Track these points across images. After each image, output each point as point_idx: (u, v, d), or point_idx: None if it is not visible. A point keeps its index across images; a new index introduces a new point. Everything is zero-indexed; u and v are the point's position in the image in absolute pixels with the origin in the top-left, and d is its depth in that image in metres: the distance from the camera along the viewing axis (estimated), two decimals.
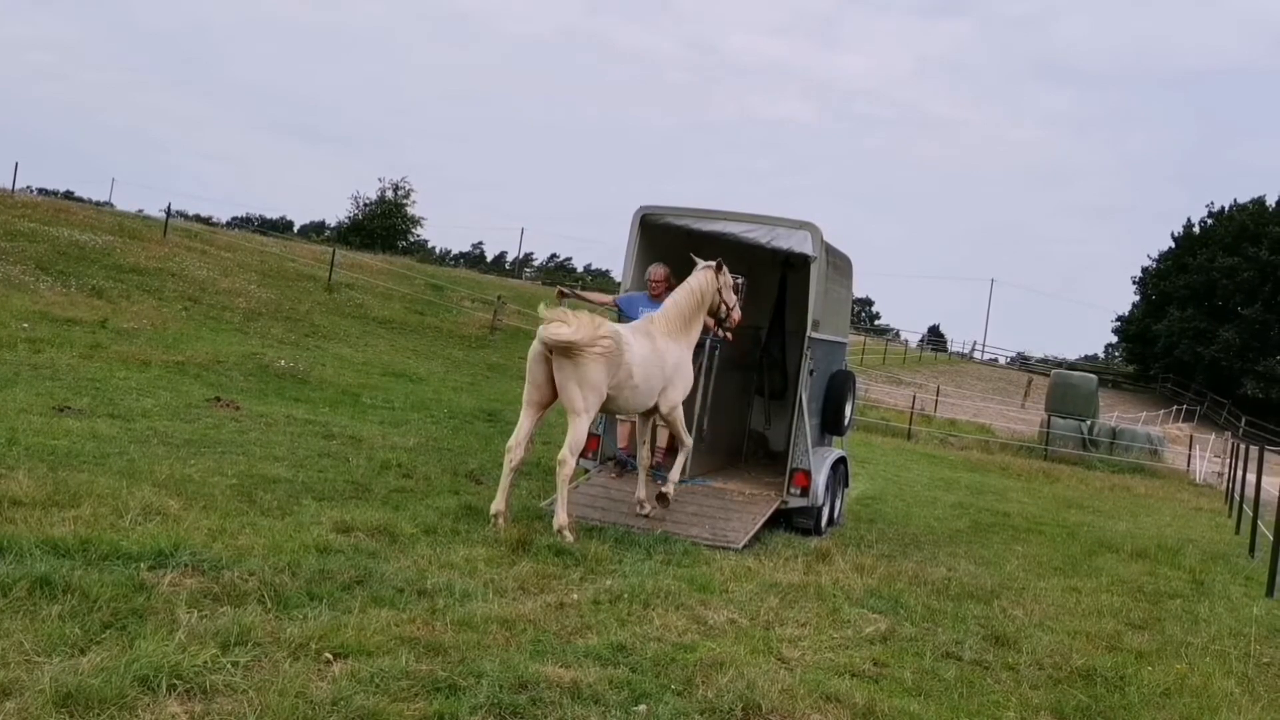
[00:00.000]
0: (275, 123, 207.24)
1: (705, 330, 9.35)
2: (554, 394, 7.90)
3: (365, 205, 58.35)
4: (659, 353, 8.39)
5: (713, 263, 9.05)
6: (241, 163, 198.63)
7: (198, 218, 59.50)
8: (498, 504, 7.92)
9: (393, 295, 30.46)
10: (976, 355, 72.99)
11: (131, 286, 21.94)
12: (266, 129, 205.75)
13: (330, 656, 4.67)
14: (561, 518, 7.79)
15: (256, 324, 22.24)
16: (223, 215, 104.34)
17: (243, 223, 76.33)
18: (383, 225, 56.91)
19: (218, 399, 12.99)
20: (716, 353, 10.17)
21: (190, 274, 24.54)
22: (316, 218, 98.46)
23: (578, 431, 7.82)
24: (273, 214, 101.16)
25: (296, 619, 5.08)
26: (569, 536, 7.65)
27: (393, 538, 7.01)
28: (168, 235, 28.50)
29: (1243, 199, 63.55)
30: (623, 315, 9.72)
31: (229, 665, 4.38)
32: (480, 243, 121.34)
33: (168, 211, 32.32)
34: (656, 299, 9.33)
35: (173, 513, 6.74)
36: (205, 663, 4.34)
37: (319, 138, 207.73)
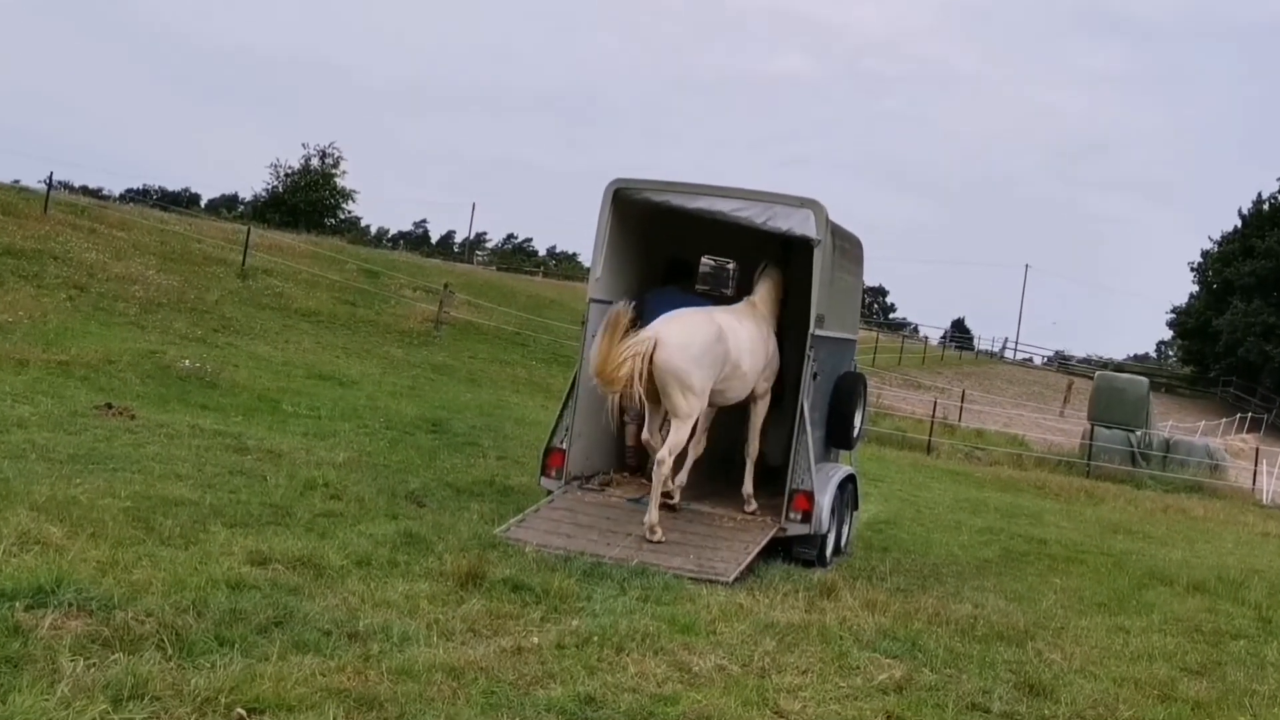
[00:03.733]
0: (179, 77, 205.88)
1: None
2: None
3: (287, 176, 58.06)
4: (764, 337, 9.87)
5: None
6: (138, 126, 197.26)
7: (85, 190, 59.08)
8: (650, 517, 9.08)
9: (319, 283, 30.30)
10: (1008, 354, 73.62)
11: (4, 271, 21.72)
12: (168, 85, 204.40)
13: (243, 712, 4.65)
14: (653, 516, 9.05)
15: (156, 317, 22.05)
16: (115, 187, 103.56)
17: (139, 196, 75.77)
18: (307, 200, 56.64)
19: (109, 406, 12.88)
20: None
21: (76, 257, 24.32)
22: (228, 190, 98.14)
23: (679, 433, 9.12)
24: (175, 186, 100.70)
25: (202, 668, 5.05)
26: (658, 534, 8.98)
27: (318, 571, 6.98)
28: (49, 211, 28.24)
29: None
30: (647, 310, 10.00)
31: None
32: (424, 221, 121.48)
33: (49, 182, 32.01)
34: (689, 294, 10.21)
35: (55, 542, 6.68)
36: None
37: (231, 96, 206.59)
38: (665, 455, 9.08)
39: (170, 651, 5.19)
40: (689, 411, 9.13)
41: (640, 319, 9.78)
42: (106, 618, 5.47)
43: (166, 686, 4.76)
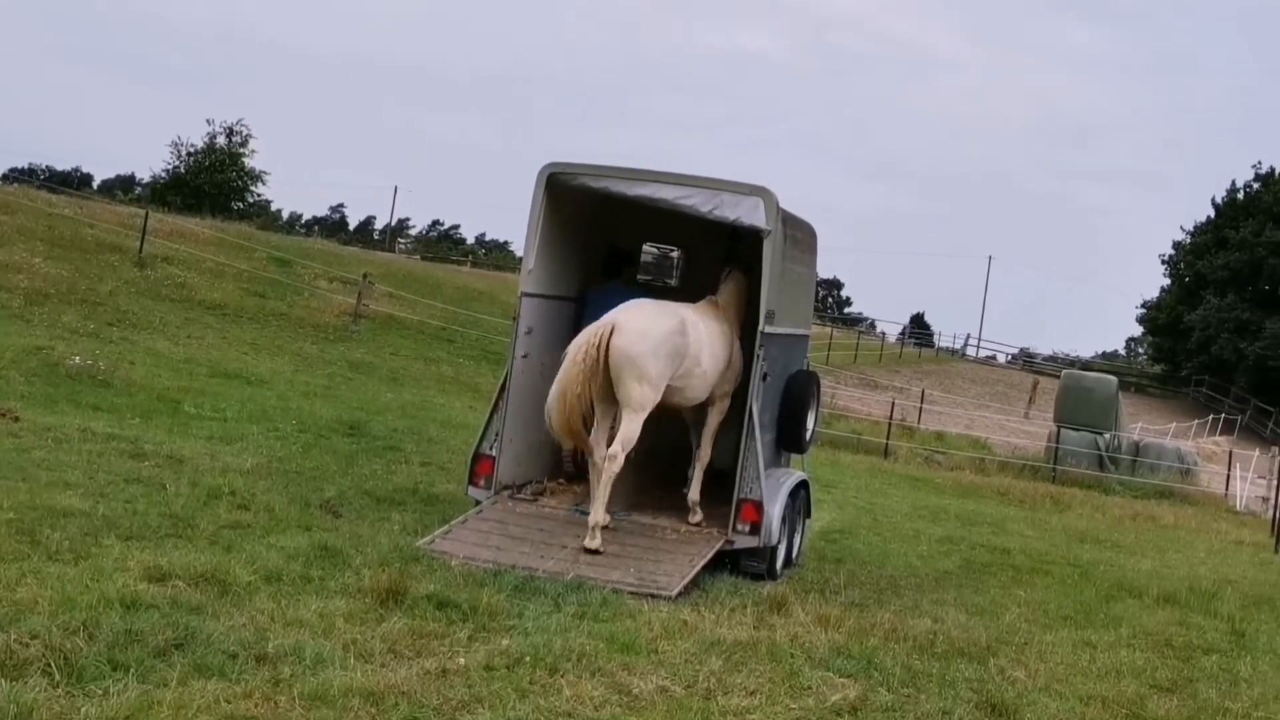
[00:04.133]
0: (67, 46, 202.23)
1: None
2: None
3: (189, 155, 57.20)
4: (727, 338, 10.02)
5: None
6: (21, 98, 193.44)
7: None
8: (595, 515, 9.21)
9: (225, 272, 29.97)
10: (970, 352, 74.58)
11: None
12: (55, 54, 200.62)
13: None
14: (598, 516, 9.17)
15: (42, 309, 21.70)
16: None
17: (24, 176, 74.28)
18: (212, 182, 55.85)
19: None
20: None
21: None
22: (124, 170, 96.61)
23: (631, 427, 9.21)
24: (64, 165, 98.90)
25: (94, 695, 4.99)
26: (597, 540, 9.09)
27: (224, 588, 6.92)
28: None
29: None
30: (589, 312, 10.24)
31: None
32: (341, 206, 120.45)
33: None
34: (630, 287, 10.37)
35: None
36: None
37: (128, 67, 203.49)
38: (618, 450, 9.16)
39: (58, 677, 5.13)
40: (643, 403, 9.20)
41: (582, 320, 9.90)
42: None
43: (54, 716, 4.70)
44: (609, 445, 9.28)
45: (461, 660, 6.24)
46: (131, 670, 5.33)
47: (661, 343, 9.24)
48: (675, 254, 10.86)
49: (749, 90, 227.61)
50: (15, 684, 4.96)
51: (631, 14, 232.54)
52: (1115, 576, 13.21)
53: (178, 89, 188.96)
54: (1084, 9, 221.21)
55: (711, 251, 11.43)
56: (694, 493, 10.08)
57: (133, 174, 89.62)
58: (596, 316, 9.54)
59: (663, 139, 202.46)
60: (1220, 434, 47.60)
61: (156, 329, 22.95)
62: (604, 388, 9.20)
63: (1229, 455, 32.79)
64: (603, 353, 9.03)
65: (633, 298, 9.90)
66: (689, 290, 10.46)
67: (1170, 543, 18.92)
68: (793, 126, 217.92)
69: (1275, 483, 24.06)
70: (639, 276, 10.47)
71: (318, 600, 6.99)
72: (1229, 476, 30.60)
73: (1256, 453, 33.75)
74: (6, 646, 5.33)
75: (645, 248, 11.24)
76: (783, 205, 9.76)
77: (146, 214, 31.87)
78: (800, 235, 10.63)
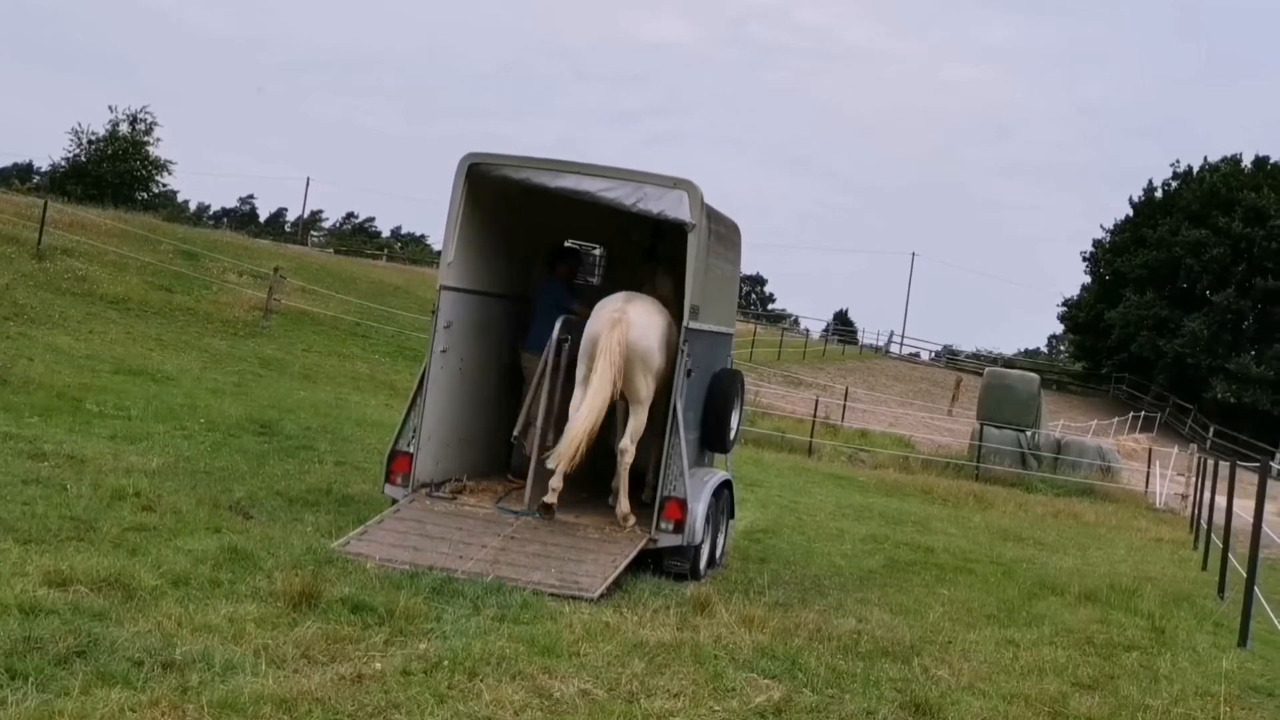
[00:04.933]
0: None
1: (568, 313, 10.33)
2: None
3: (91, 143, 56.07)
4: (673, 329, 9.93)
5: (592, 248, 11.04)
6: None
7: None
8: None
9: (129, 265, 29.45)
10: (894, 349, 75.47)
11: None
12: None
13: None
14: (624, 506, 9.82)
15: None
16: None
17: None
18: (115, 171, 54.79)
19: None
20: (565, 347, 10.21)
21: None
22: (20, 159, 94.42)
23: (639, 419, 9.73)
24: None
25: None
26: (631, 520, 9.69)
27: (128, 593, 6.83)
28: None
29: (1214, 158, 67.18)
30: (536, 307, 10.75)
31: None
32: (251, 196, 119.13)
33: None
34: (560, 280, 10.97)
35: None
36: None
37: (27, 49, 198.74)
38: (628, 444, 9.77)
39: None
40: (649, 396, 9.78)
41: (535, 315, 10.51)
42: None
43: None
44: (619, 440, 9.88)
45: (378, 665, 6.20)
46: (31, 679, 5.24)
47: (663, 336, 9.75)
48: (597, 251, 10.97)
49: (664, 80, 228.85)
50: None
51: (546, 1, 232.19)
52: (1037, 574, 13.46)
53: (79, 73, 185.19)
54: (1005, 3, 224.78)
55: (632, 246, 11.49)
56: (623, 504, 10.02)
57: (30, 162, 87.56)
58: (545, 309, 10.30)
59: (573, 131, 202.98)
60: (1140, 431, 48.72)
61: (56, 324, 22.49)
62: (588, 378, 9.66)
63: (1149, 453, 33.57)
64: (624, 348, 9.45)
65: (571, 293, 10.65)
66: (611, 287, 10.51)
67: (1091, 540, 19.33)
68: (707, 118, 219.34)
69: (1194, 480, 24.61)
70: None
71: (227, 605, 6.91)
72: (1149, 474, 31.31)
73: (1175, 450, 34.55)
74: None
75: (566, 244, 11.35)
76: (707, 200, 9.80)
77: (45, 204, 31.22)
78: (724, 231, 10.68)
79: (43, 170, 70.46)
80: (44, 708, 4.92)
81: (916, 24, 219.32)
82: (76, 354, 19.94)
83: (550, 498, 9.73)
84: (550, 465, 9.69)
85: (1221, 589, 13.54)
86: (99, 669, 5.51)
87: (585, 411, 9.46)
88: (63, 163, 57.00)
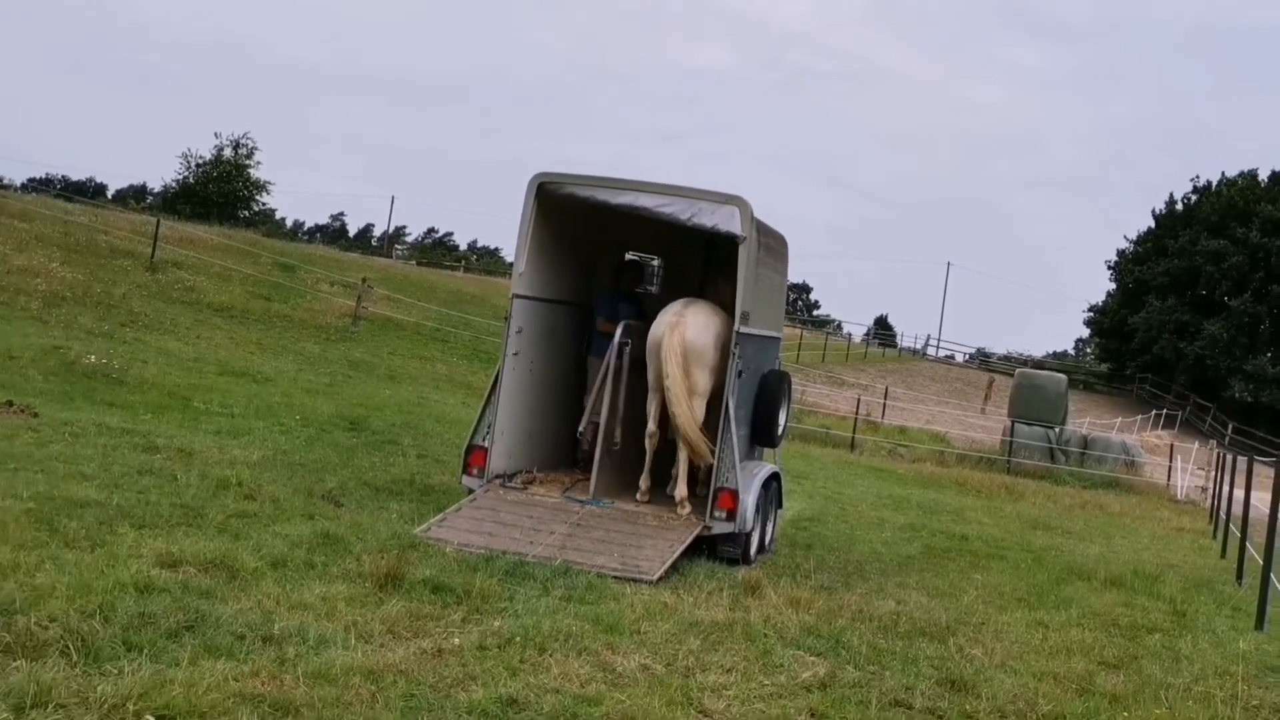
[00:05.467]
0: (81, 61, 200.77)
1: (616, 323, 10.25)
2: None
3: (198, 166, 56.89)
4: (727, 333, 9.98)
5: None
6: (39, 112, 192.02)
7: None
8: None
9: (232, 276, 29.81)
10: (930, 351, 74.74)
11: None
12: (70, 69, 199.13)
13: (152, 719, 4.56)
14: (682, 489, 9.97)
15: (59, 311, 21.54)
16: (16, 176, 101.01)
17: (42, 185, 73.74)
18: (220, 191, 55.55)
19: (9, 404, 12.55)
20: (628, 350, 10.22)
21: None
22: (136, 180, 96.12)
23: (699, 411, 9.92)
24: (79, 175, 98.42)
25: (110, 674, 4.95)
26: (687, 509, 9.80)
27: (232, 573, 6.88)
28: None
29: (1232, 173, 66.10)
30: (598, 317, 10.79)
31: None
32: (341, 214, 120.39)
33: None
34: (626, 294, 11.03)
35: None
36: None
37: (140, 84, 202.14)
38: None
39: (75, 658, 5.09)
40: (706, 390, 9.95)
41: (608, 319, 10.57)
42: (8, 623, 5.34)
43: (71, 694, 4.66)
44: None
45: (456, 641, 6.22)
46: (145, 651, 5.29)
47: (718, 336, 9.88)
48: (655, 262, 11.00)
49: (711, 103, 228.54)
50: (35, 664, 4.92)
51: (604, 32, 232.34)
52: (1065, 561, 13.27)
53: (186, 104, 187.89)
54: (1029, 27, 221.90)
55: (688, 257, 11.49)
56: (681, 488, 10.09)
57: (145, 184, 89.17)
58: (607, 314, 10.51)
59: (628, 149, 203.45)
60: (1162, 428, 47.92)
61: (167, 330, 22.81)
62: (658, 377, 9.84)
63: (1170, 448, 33.00)
64: (683, 347, 9.66)
65: (630, 301, 10.77)
66: (669, 294, 10.52)
67: (1116, 529, 19.04)
68: (750, 137, 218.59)
69: (1213, 474, 24.17)
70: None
71: (320, 585, 6.95)
72: (1170, 468, 30.80)
73: (1196, 446, 33.95)
74: (27, 629, 5.28)
75: (628, 256, 11.38)
76: (756, 214, 9.77)
77: (158, 221, 31.70)
78: (772, 243, 10.63)
79: (155, 191, 71.70)
80: (156, 677, 4.97)
81: (944, 47, 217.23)
82: (185, 357, 20.20)
83: (642, 497, 10.18)
84: (704, 463, 10.07)
85: (1239, 575, 13.30)
86: (205, 642, 5.56)
87: (678, 413, 9.74)
88: (173, 184, 57.92)
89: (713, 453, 9.81)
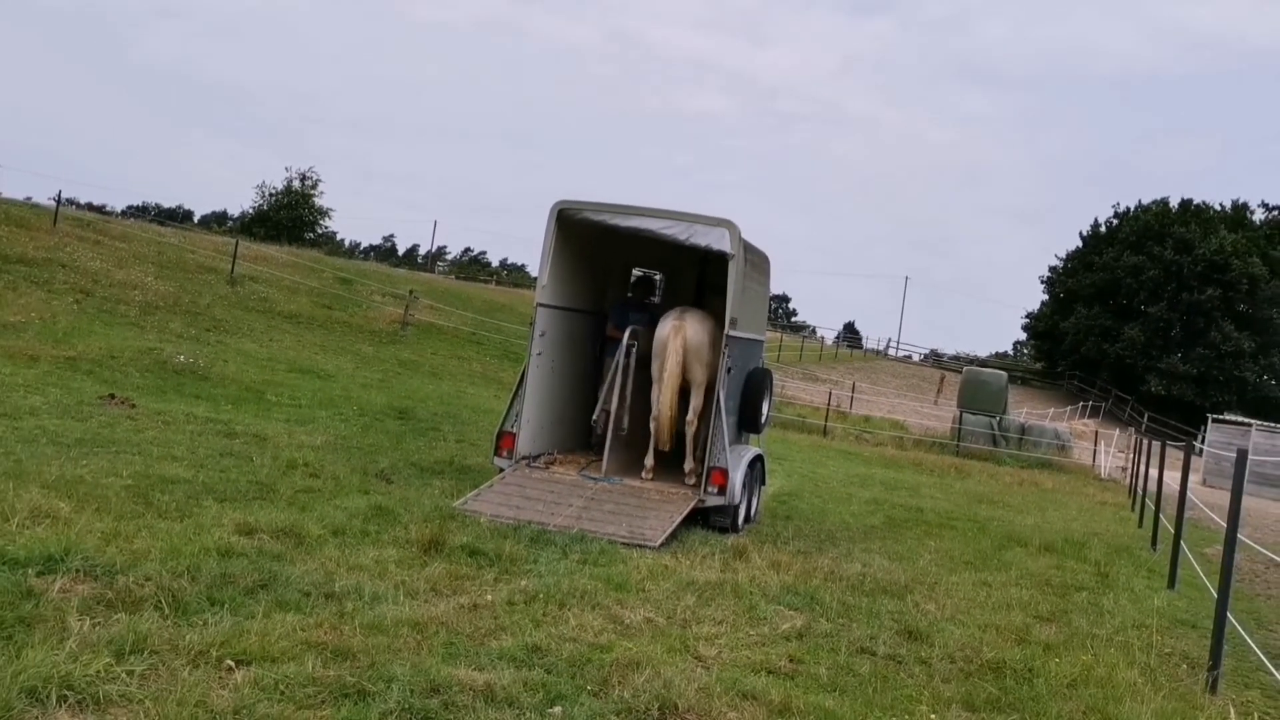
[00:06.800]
0: (175, 108, 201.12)
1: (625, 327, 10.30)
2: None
3: (271, 196, 56.96)
4: (719, 335, 10.00)
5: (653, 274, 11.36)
6: (138, 150, 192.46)
7: (90, 206, 57.57)
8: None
9: (299, 289, 29.84)
10: (891, 352, 74.51)
11: (18, 278, 21.09)
12: (166, 114, 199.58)
13: (232, 664, 4.58)
14: (691, 463, 10.16)
15: (154, 318, 21.59)
16: (117, 204, 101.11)
17: (139, 212, 74.01)
18: (289, 217, 55.61)
19: (111, 396, 12.58)
20: (634, 349, 10.24)
21: (82, 265, 23.70)
22: (218, 208, 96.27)
23: (698, 399, 10.09)
24: (170, 203, 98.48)
25: (196, 625, 4.96)
26: (693, 480, 9.86)
27: (299, 540, 6.90)
28: (58, 224, 27.45)
29: (1148, 200, 66.16)
30: (612, 324, 10.78)
31: (124, 674, 4.26)
32: (391, 235, 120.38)
33: (57, 199, 31.03)
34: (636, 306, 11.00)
35: (63, 515, 6.52)
36: (98, 672, 4.22)
37: (221, 126, 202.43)
38: (694, 417, 10.16)
39: (167, 611, 5.10)
40: (704, 381, 10.07)
41: (617, 326, 10.67)
42: (110, 582, 5.36)
43: (164, 642, 4.67)
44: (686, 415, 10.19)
45: (489, 597, 6.23)
46: (225, 605, 5.31)
47: (711, 337, 9.98)
48: (658, 276, 11.00)
49: (710, 142, 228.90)
50: (133, 616, 4.93)
51: (620, 82, 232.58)
52: (1006, 530, 13.25)
53: (262, 143, 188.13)
54: (978, 78, 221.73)
55: (686, 271, 11.49)
56: (689, 462, 10.28)
57: (225, 210, 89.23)
58: (620, 323, 10.57)
59: (642, 181, 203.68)
60: (1088, 417, 47.79)
61: (244, 334, 22.84)
62: (662, 370, 9.94)
63: (1095, 434, 32.93)
64: (683, 347, 9.90)
65: (641, 310, 10.83)
66: (669, 303, 10.53)
67: (1049, 503, 19.00)
68: (744, 171, 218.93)
69: (1132, 456, 24.11)
70: (628, 294, 10.79)
71: (374, 549, 6.97)
72: (1095, 451, 30.75)
73: (1117, 432, 33.92)
74: (126, 587, 5.30)
75: (634, 271, 11.37)
76: (743, 235, 9.76)
77: (236, 243, 31.72)
78: (757, 259, 10.62)
79: (234, 217, 71.64)
80: (235, 628, 4.98)
81: (906, 96, 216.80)
82: (260, 357, 20.23)
83: (647, 474, 10.16)
84: (662, 446, 10.12)
85: (1154, 542, 13.27)
86: (277, 598, 5.58)
87: (665, 398, 9.90)
88: (250, 210, 57.95)
89: (673, 440, 10.09)
